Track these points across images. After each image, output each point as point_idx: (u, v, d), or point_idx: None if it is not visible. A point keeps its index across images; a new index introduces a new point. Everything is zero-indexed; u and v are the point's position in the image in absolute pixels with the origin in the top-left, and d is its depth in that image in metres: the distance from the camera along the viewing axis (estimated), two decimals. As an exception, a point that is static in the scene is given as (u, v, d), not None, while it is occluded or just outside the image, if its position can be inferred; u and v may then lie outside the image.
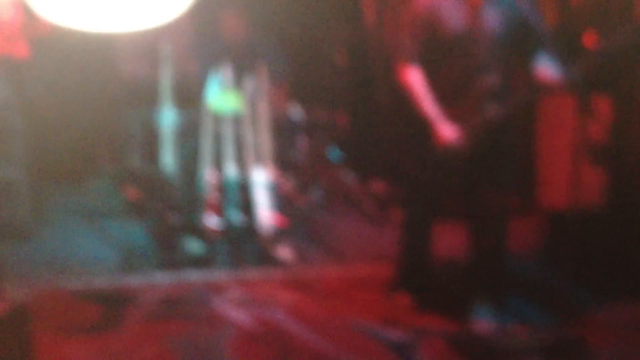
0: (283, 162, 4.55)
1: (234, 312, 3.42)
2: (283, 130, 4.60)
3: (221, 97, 4.36)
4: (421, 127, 3.16)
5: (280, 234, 4.21)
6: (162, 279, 3.84)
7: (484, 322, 3.19)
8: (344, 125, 5.17)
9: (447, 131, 3.08)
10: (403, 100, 3.27)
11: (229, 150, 4.27)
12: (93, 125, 5.48)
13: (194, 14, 5.40)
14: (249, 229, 4.21)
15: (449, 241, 3.78)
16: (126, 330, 3.20)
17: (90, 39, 2.93)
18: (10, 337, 2.47)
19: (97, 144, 5.49)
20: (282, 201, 4.33)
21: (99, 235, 4.60)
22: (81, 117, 5.45)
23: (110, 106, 5.36)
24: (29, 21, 3.31)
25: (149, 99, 4.75)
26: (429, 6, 3.11)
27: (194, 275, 3.89)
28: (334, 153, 5.10)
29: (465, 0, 3.06)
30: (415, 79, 3.17)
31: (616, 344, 3.04)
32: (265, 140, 4.32)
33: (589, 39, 4.28)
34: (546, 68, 2.99)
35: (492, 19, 3.04)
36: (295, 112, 4.76)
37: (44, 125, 5.00)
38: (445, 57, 3.11)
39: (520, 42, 3.08)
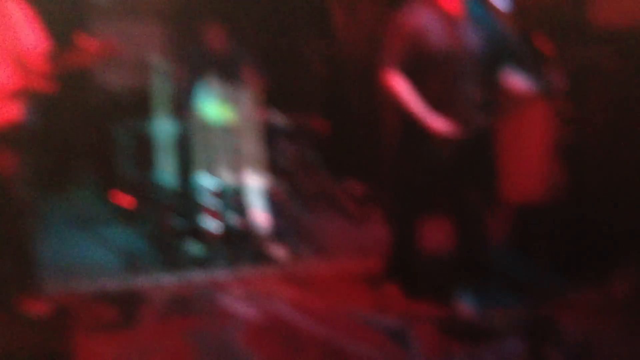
0: (272, 166, 4.80)
1: (238, 307, 3.72)
2: (269, 137, 4.86)
3: (212, 106, 4.61)
4: (407, 126, 3.47)
5: (273, 234, 4.50)
6: (167, 280, 4.09)
7: (467, 307, 3.55)
8: (323, 130, 5.47)
9: (439, 123, 3.36)
10: (382, 104, 3.58)
11: (222, 157, 4.54)
12: (80, 136, 5.66)
13: (177, 25, 5.75)
14: (245, 230, 4.46)
15: (433, 233, 4.10)
16: (143, 328, 3.47)
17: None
18: (54, 337, 2.71)
19: (84, 154, 5.66)
20: (272, 203, 4.62)
21: (96, 242, 4.81)
22: (67, 127, 5.61)
23: (97, 117, 5.58)
24: (59, 52, 3.41)
25: (140, 110, 5.02)
26: (415, 23, 3.38)
27: (197, 275, 4.15)
28: (314, 156, 5.40)
29: (446, 17, 3.36)
30: (399, 83, 3.43)
31: (583, 321, 3.36)
32: (255, 146, 4.59)
33: (540, 42, 4.66)
34: (519, 78, 3.36)
35: (474, 35, 3.35)
36: (279, 118, 5.03)
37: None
38: (428, 69, 3.39)
39: (498, 58, 3.42)
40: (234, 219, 4.45)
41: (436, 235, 4.14)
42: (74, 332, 3.03)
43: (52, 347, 2.70)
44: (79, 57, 3.28)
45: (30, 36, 3.35)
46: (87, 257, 4.55)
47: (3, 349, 2.63)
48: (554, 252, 3.82)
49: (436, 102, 3.40)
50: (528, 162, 4.30)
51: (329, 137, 5.56)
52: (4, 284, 3.47)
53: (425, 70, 3.42)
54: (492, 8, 3.30)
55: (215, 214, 4.40)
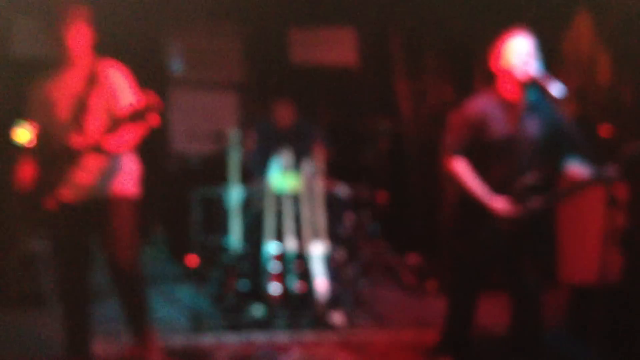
0: (333, 235, 5.00)
1: (297, 370, 3.91)
2: (332, 207, 5.10)
3: (281, 176, 4.90)
4: (467, 205, 3.65)
5: (333, 301, 4.67)
6: (230, 339, 4.30)
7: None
8: (384, 203, 5.70)
9: (499, 204, 3.55)
10: (443, 181, 3.79)
11: (288, 224, 4.79)
12: (156, 198, 6.01)
13: (251, 99, 6.14)
14: (306, 296, 4.63)
15: (490, 310, 4.23)
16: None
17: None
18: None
19: (159, 216, 6.00)
20: (333, 271, 4.81)
21: (166, 299, 5.10)
22: (146, 190, 5.95)
23: (173, 182, 5.96)
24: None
25: (213, 177, 5.36)
26: (477, 112, 3.62)
27: (258, 336, 4.36)
28: (375, 228, 5.61)
29: (507, 105, 3.61)
30: (461, 166, 3.65)
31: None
32: (319, 216, 4.83)
33: (605, 131, 4.82)
34: (579, 168, 3.54)
35: (533, 124, 3.57)
36: (342, 190, 5.28)
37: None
38: (489, 154, 3.60)
39: (557, 145, 3.61)
40: (295, 284, 4.65)
41: (492, 312, 4.26)
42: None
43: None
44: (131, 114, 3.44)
45: (127, 97, 3.67)
46: (157, 313, 4.75)
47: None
48: (609, 336, 3.88)
49: (495, 184, 3.58)
50: (585, 245, 4.41)
51: (390, 210, 5.77)
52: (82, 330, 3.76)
53: (486, 154, 3.62)
54: (550, 97, 3.50)
55: (278, 279, 4.61)
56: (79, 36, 3.62)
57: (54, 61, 3.69)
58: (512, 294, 3.80)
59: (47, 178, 3.55)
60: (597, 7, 5.32)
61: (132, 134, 3.56)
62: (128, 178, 3.73)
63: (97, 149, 3.51)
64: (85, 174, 3.56)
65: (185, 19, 6.17)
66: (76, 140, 3.52)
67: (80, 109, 3.57)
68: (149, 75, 4.04)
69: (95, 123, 3.59)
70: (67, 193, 3.51)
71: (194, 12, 6.06)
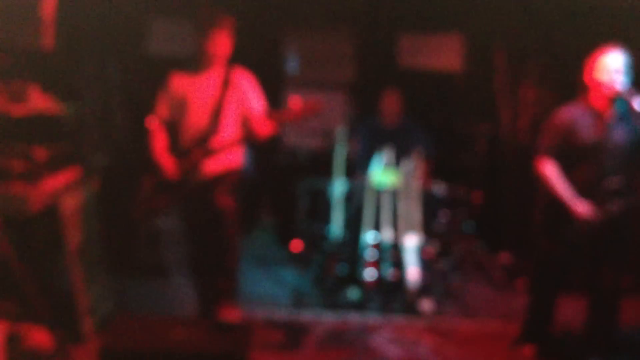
0: (428, 230, 5.33)
1: (386, 347, 4.30)
2: (429, 204, 5.44)
3: (382, 173, 5.28)
4: (553, 207, 3.93)
5: (423, 289, 5.03)
6: (327, 317, 4.75)
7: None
8: (479, 202, 5.97)
9: (582, 207, 3.82)
10: (535, 183, 4.07)
11: (385, 217, 5.18)
12: (268, 188, 6.55)
13: (358, 97, 6.54)
14: (398, 283, 5.03)
15: (570, 307, 4.50)
16: (304, 353, 4.17)
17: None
18: (240, 344, 3.43)
19: (270, 204, 6.54)
20: (425, 262, 5.16)
21: (272, 279, 5.62)
22: (259, 180, 6.45)
23: (283, 174, 6.49)
24: (275, 111, 4.18)
25: (320, 171, 5.83)
26: (569, 118, 3.92)
27: (353, 316, 4.78)
28: (469, 225, 5.91)
29: (596, 115, 3.87)
30: (550, 169, 3.94)
31: None
32: (415, 211, 5.19)
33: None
34: None
35: (619, 133, 3.83)
36: (439, 188, 5.60)
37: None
38: (578, 160, 3.87)
39: (638, 150, 3.84)
40: (389, 272, 5.05)
41: (572, 309, 4.52)
42: (252, 346, 3.72)
43: (236, 353, 3.40)
44: (290, 115, 4.07)
45: (254, 100, 4.21)
46: (263, 290, 5.33)
47: (200, 348, 3.36)
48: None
49: (581, 188, 3.86)
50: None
51: (485, 210, 6.03)
52: (209, 295, 4.31)
53: (574, 159, 3.90)
54: (637, 111, 3.73)
55: (374, 265, 5.02)
56: (222, 44, 4.10)
57: (188, 61, 4.21)
58: (590, 294, 4.05)
59: (180, 165, 4.11)
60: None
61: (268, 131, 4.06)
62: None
63: (230, 146, 4.07)
64: (214, 162, 4.11)
65: (301, 22, 6.64)
66: (212, 139, 4.06)
67: (217, 110, 4.10)
68: (266, 75, 4.51)
69: (228, 123, 4.13)
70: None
71: (310, 15, 6.53)
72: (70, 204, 3.94)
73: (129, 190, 4.30)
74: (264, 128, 4.02)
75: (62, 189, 3.89)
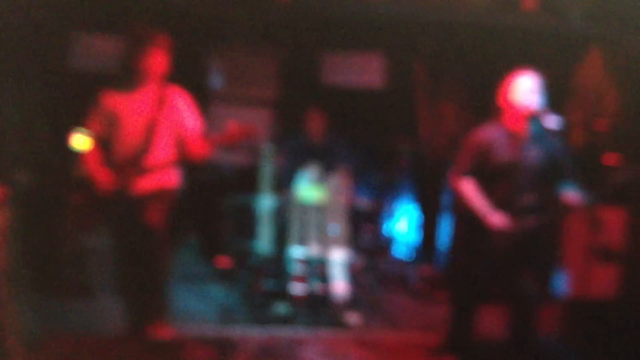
0: (353, 244, 5.44)
1: (315, 361, 4.39)
2: (354, 218, 5.55)
3: (308, 188, 5.36)
4: (470, 221, 4.10)
5: (350, 303, 5.13)
6: (256, 332, 4.78)
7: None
8: (404, 216, 6.16)
9: (497, 219, 4.00)
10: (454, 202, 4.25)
11: (312, 232, 5.27)
12: (192, 205, 6.51)
13: (282, 114, 6.62)
14: (326, 297, 5.11)
15: (489, 319, 4.67)
16: (235, 369, 4.21)
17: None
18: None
19: (195, 221, 6.51)
20: (351, 276, 5.25)
21: (199, 296, 5.60)
22: (184, 197, 6.42)
23: (208, 190, 6.48)
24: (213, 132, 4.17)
25: (245, 187, 5.88)
26: (486, 138, 4.10)
27: (281, 331, 4.82)
28: (391, 239, 6.08)
29: (512, 137, 4.06)
30: (467, 186, 4.13)
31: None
32: (340, 226, 5.31)
33: (611, 160, 5.24)
34: (571, 193, 3.99)
35: (533, 152, 4.02)
36: (362, 203, 5.74)
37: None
38: (495, 177, 4.06)
39: (553, 172, 4.05)
40: (317, 286, 5.13)
41: (492, 320, 4.71)
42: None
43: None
44: (226, 139, 4.08)
45: (190, 120, 4.20)
46: (192, 307, 5.32)
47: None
48: (603, 347, 4.24)
49: (497, 203, 4.04)
50: (580, 261, 4.83)
51: (407, 223, 6.22)
52: (139, 314, 4.27)
53: (491, 176, 4.08)
54: (550, 130, 3.96)
55: (301, 280, 5.10)
56: (157, 62, 4.06)
57: (119, 78, 4.17)
58: (509, 304, 4.25)
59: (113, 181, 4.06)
60: (607, 46, 5.75)
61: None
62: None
63: (163, 165, 4.06)
64: (146, 181, 4.09)
65: (226, 40, 6.68)
66: (145, 157, 4.04)
67: (151, 129, 4.07)
68: (191, 91, 4.54)
69: (162, 142, 4.11)
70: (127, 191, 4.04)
71: (234, 33, 6.58)
72: (-6, 223, 3.84)
73: (55, 208, 4.23)
74: (200, 149, 4.03)
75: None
